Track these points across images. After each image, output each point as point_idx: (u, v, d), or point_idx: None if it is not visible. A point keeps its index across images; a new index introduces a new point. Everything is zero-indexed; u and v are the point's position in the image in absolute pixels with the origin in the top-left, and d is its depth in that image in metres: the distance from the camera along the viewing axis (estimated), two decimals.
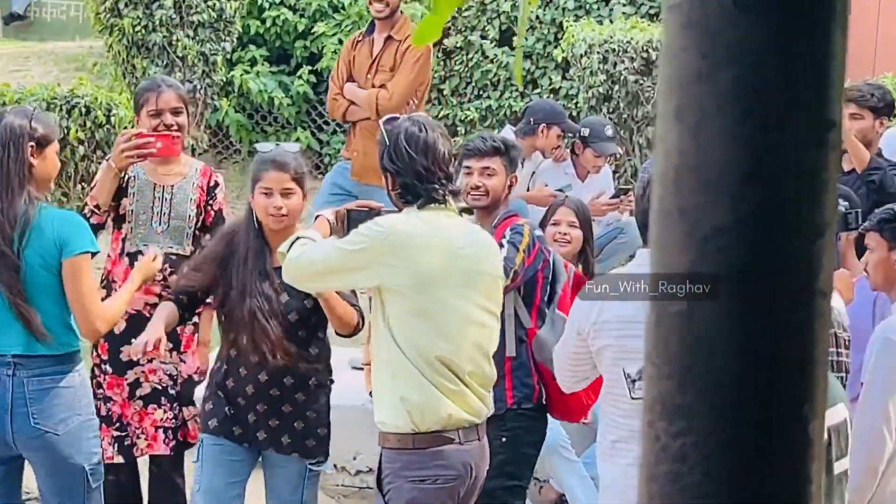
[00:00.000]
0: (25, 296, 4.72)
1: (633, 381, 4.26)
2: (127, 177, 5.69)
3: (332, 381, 5.21)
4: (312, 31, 11.66)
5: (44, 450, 4.81)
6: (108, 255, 5.82)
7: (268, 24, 11.66)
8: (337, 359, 5.49)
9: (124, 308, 5.07)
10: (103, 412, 5.58)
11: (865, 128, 6.31)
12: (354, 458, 6.90)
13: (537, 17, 11.43)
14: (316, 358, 5.12)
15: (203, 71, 11.08)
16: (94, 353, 5.69)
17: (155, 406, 5.67)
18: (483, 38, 11.66)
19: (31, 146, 4.79)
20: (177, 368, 5.72)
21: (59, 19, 18.15)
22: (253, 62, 11.66)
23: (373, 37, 7.41)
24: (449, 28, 11.60)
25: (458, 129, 11.61)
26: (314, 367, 5.11)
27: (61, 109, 9.61)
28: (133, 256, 5.68)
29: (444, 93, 11.76)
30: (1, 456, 4.87)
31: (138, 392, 5.64)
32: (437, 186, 4.44)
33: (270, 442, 5.08)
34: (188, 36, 11.05)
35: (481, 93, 11.74)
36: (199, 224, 5.78)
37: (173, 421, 5.70)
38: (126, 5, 11.07)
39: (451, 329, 4.40)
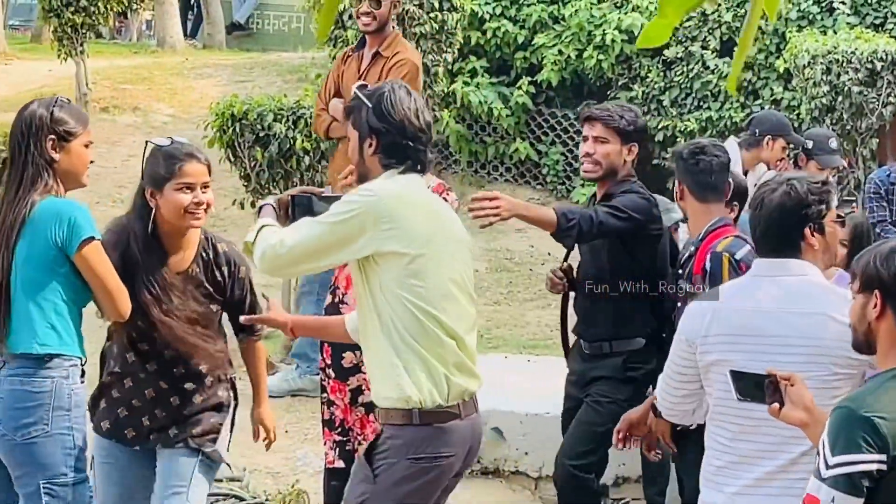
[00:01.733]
0: (5, 293, 4.58)
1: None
2: None
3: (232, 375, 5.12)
4: (532, 42, 12.10)
5: (5, 455, 4.61)
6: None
7: (488, 35, 12.13)
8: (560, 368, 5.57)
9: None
10: (326, 416, 5.76)
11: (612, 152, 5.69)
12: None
13: (759, 28, 11.61)
14: (218, 351, 5.00)
15: (424, 82, 11.42)
16: (321, 358, 5.81)
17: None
18: (704, 48, 11.90)
19: (52, 139, 4.61)
20: None
21: (280, 30, 19.03)
22: (473, 73, 12.15)
23: (362, 52, 7.40)
24: (670, 38, 11.93)
25: (678, 139, 11.78)
26: (213, 359, 4.98)
27: (287, 120, 9.99)
28: None
29: (664, 104, 12.02)
30: None
31: (360, 399, 5.68)
32: (422, 149, 4.42)
33: (159, 438, 4.95)
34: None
35: (701, 104, 11.94)
36: None
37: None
38: (350, 17, 11.32)
39: (448, 291, 4.37)
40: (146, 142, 4.89)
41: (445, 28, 11.46)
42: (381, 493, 4.38)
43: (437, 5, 11.35)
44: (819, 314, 4.11)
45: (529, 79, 12.15)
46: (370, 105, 4.40)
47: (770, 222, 4.24)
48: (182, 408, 4.93)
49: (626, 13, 11.97)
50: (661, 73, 12.03)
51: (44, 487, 4.57)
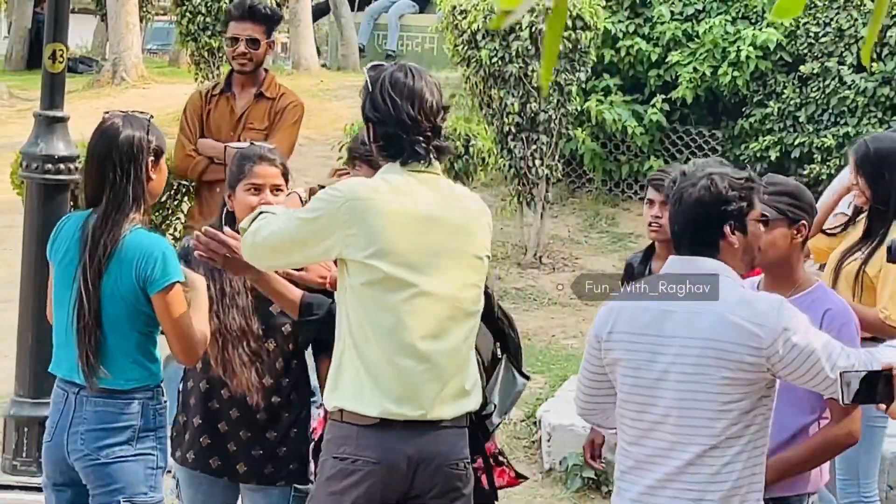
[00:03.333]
0: (93, 327, 4.57)
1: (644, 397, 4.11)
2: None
3: (311, 399, 5.13)
4: (666, 60, 12.36)
5: (87, 474, 4.64)
6: None
7: (622, 53, 12.43)
8: None
9: (207, 323, 4.72)
10: None
11: None
12: None
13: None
14: (290, 386, 5.03)
15: (558, 101, 11.71)
16: None
17: None
18: (840, 63, 12.01)
19: (151, 160, 4.64)
20: None
21: (414, 51, 19.49)
22: (607, 91, 12.46)
23: (232, 92, 7.01)
24: (805, 54, 12.16)
25: (815, 156, 11.99)
26: (287, 395, 5.02)
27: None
28: None
29: (800, 120, 12.16)
30: (65, 479, 4.73)
31: None
32: (421, 139, 4.15)
33: (252, 474, 5.01)
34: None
35: (838, 119, 12.03)
36: None
37: None
38: (483, 37, 11.82)
39: (411, 307, 4.16)
40: (225, 146, 5.17)
41: (579, 47, 11.70)
42: (317, 489, 4.36)
43: (570, 24, 11.62)
44: (718, 314, 4.00)
45: (663, 96, 12.41)
46: (370, 90, 4.24)
47: (688, 218, 4.11)
48: (274, 439, 5.00)
49: (760, 29, 12.14)
50: (797, 90, 12.19)
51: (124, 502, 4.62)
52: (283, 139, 6.77)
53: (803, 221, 4.55)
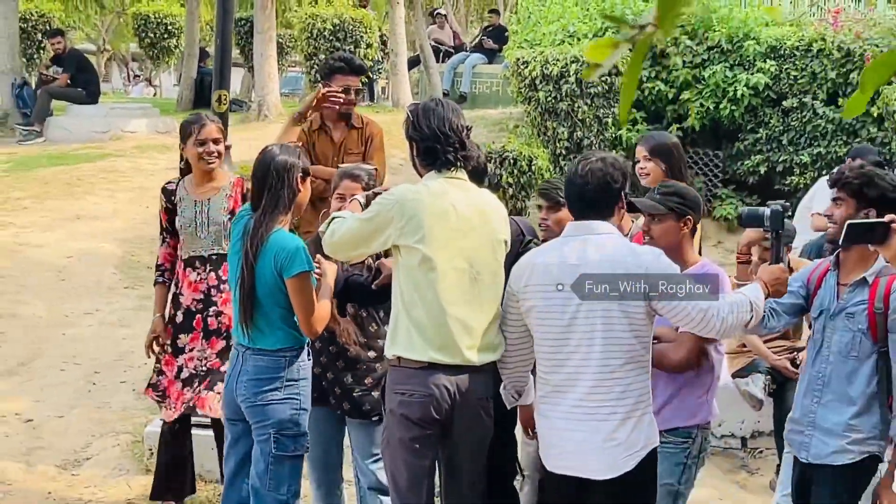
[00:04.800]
0: (253, 300, 4.61)
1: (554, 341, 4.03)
2: (176, 198, 5.69)
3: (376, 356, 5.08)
4: (680, 97, 12.31)
5: (249, 413, 4.68)
6: (177, 260, 5.78)
7: (646, 93, 12.36)
8: None
9: (329, 306, 4.72)
10: (155, 381, 5.71)
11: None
12: (720, 425, 7.08)
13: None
14: (374, 334, 5.07)
15: (597, 129, 11.88)
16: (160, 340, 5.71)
17: (189, 388, 5.66)
18: (814, 99, 11.90)
19: (300, 176, 4.67)
20: (204, 353, 5.68)
21: (484, 92, 19.53)
22: (634, 122, 12.38)
23: (328, 126, 6.80)
24: (787, 92, 12.07)
25: (794, 170, 11.90)
26: (374, 342, 5.06)
27: (495, 160, 10.45)
28: (187, 262, 5.68)
29: (783, 142, 12.06)
30: (236, 416, 4.78)
31: (181, 375, 5.66)
32: (451, 149, 4.25)
33: (354, 410, 5.07)
34: (586, 104, 11.83)
35: (812, 142, 11.92)
36: None
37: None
38: (541, 82, 12.00)
39: (446, 280, 4.21)
40: (338, 166, 5.18)
41: (613, 88, 11.83)
42: (387, 418, 4.40)
43: (606, 72, 11.70)
44: (612, 262, 3.93)
45: (678, 125, 12.34)
46: (411, 119, 4.35)
47: (595, 188, 4.04)
48: (370, 384, 5.05)
49: (752, 74, 12.07)
50: (781, 119, 12.09)
51: (274, 436, 4.64)
52: (380, 159, 6.78)
53: (689, 216, 4.47)
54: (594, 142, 11.82)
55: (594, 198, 4.04)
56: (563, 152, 11.77)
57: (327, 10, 16.55)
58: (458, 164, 4.31)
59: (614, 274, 3.93)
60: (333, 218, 4.42)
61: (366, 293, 4.80)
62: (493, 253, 4.32)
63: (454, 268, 4.23)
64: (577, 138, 11.86)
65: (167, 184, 5.84)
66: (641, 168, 5.64)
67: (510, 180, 10.32)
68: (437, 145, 4.28)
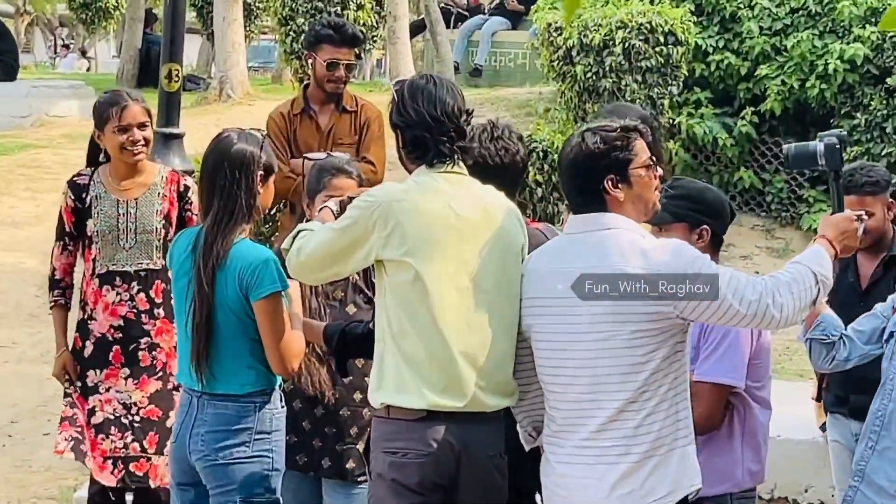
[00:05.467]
0: (207, 334, 4.59)
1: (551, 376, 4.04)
2: (89, 196, 5.70)
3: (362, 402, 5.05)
4: (755, 73, 12.35)
5: (207, 474, 4.66)
6: (83, 275, 5.80)
7: (712, 67, 12.42)
8: (783, 392, 5.48)
9: (302, 338, 4.70)
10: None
11: None
12: (806, 491, 6.89)
13: None
14: (361, 370, 5.02)
15: (650, 114, 11.93)
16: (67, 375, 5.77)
17: (103, 436, 5.66)
18: None
19: (261, 174, 4.64)
20: (130, 397, 5.69)
21: (507, 67, 19.58)
22: (697, 104, 12.45)
23: (312, 110, 6.85)
24: (892, 67, 12.10)
25: None
26: (359, 381, 5.03)
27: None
28: (103, 278, 5.69)
29: (887, 130, 12.11)
30: (188, 479, 4.74)
31: (92, 420, 5.68)
32: (444, 139, 4.22)
33: (335, 469, 5.07)
34: (636, 81, 11.87)
35: None
36: (174, 234, 5.56)
37: (122, 451, 5.68)
38: (578, 53, 12.05)
39: (445, 301, 4.16)
40: (303, 157, 5.29)
41: (670, 62, 11.85)
42: (372, 485, 4.37)
43: (662, 40, 11.79)
44: (619, 268, 3.91)
45: (753, 109, 12.38)
46: (395, 100, 4.33)
47: (569, 178, 4.07)
48: (356, 435, 5.05)
49: (847, 43, 12.10)
50: (884, 101, 12.12)
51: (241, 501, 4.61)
52: (378, 151, 6.82)
53: (705, 226, 4.47)
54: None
55: (584, 185, 4.03)
56: None
57: None
58: (455, 156, 4.29)
59: (625, 274, 3.90)
60: (300, 231, 4.40)
61: (371, 347, 4.61)
62: (504, 265, 4.26)
63: (455, 286, 4.20)
64: None
65: (76, 177, 5.84)
66: None
67: (539, 178, 10.35)
68: (426, 134, 4.25)
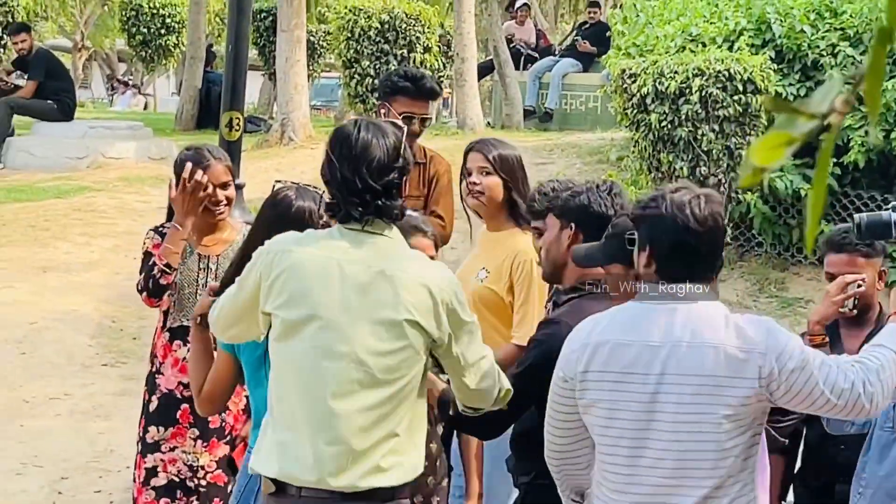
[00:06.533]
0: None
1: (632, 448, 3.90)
2: None
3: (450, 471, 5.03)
4: None
5: None
6: (155, 328, 5.88)
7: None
8: None
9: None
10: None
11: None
12: None
13: None
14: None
15: (728, 165, 11.87)
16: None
17: (168, 500, 5.70)
18: None
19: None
20: (198, 459, 5.71)
21: (577, 110, 19.63)
22: None
23: None
24: None
25: None
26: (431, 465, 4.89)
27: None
28: (174, 332, 5.75)
29: None
30: None
31: (153, 481, 5.70)
32: (356, 200, 4.05)
33: None
34: (713, 130, 11.85)
35: None
36: None
37: None
38: (653, 101, 12.03)
39: (316, 365, 4.04)
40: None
41: (749, 110, 11.82)
42: None
43: (740, 88, 11.77)
44: (711, 347, 3.82)
45: (835, 160, 12.23)
46: (326, 150, 4.19)
47: (691, 242, 3.89)
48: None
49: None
50: None
51: None
52: (448, 205, 6.84)
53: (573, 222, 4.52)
54: (723, 180, 11.85)
55: (696, 253, 3.92)
56: None
57: (373, 2, 16.74)
58: (367, 218, 4.11)
59: (720, 351, 3.80)
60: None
61: (482, 421, 4.46)
62: (387, 336, 4.06)
63: (327, 349, 4.05)
64: (701, 175, 11.87)
65: (161, 227, 5.87)
66: (474, 184, 5.83)
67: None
68: (338, 192, 4.10)
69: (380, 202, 4.08)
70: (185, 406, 5.70)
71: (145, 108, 34.30)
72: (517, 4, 22.15)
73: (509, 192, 5.81)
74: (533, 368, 4.45)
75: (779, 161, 1.68)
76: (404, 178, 4.19)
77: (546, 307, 5.41)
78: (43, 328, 10.61)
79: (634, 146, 12.71)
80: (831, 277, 5.11)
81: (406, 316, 4.05)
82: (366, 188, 4.05)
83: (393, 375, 4.07)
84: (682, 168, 11.86)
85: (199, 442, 5.70)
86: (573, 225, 4.64)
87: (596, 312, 4.13)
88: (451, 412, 4.46)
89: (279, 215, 4.62)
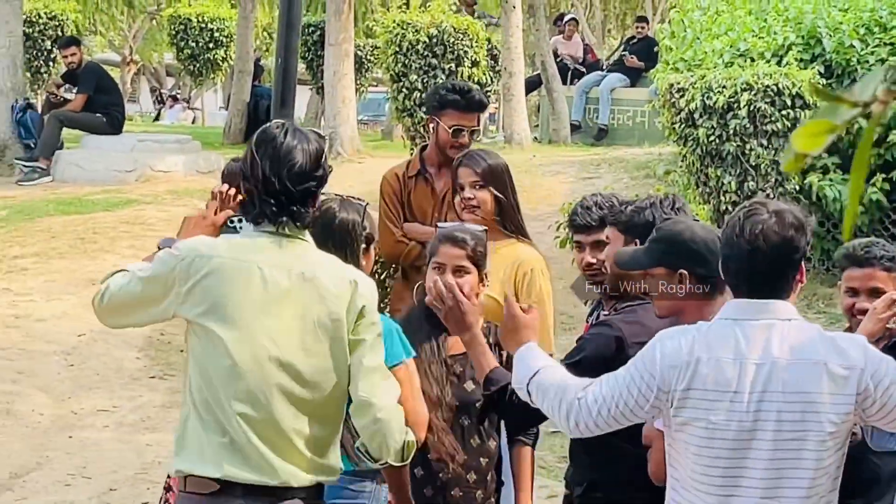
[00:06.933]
0: None
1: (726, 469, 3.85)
2: None
3: (500, 483, 5.09)
4: (888, 139, 12.23)
5: None
6: None
7: (841, 132, 12.39)
8: None
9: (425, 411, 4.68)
10: None
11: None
12: None
13: None
14: (477, 450, 5.01)
15: (776, 179, 11.88)
16: None
17: None
18: None
19: (364, 246, 4.72)
20: None
21: (625, 125, 19.66)
22: (825, 170, 12.34)
23: (429, 173, 6.80)
24: None
25: None
26: (474, 461, 5.00)
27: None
28: None
29: None
30: None
31: None
32: (272, 201, 4.14)
33: None
34: (761, 145, 11.86)
35: None
36: None
37: None
38: (701, 115, 12.04)
39: (242, 368, 4.10)
40: (436, 226, 5.44)
41: (798, 125, 11.73)
42: None
43: (789, 102, 11.76)
44: (811, 364, 3.80)
45: (884, 175, 12.24)
46: (246, 150, 4.27)
47: (770, 257, 3.87)
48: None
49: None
50: None
51: None
52: None
53: (682, 270, 4.34)
54: (771, 195, 11.77)
55: (769, 271, 3.90)
56: (730, 208, 11.76)
57: (421, 17, 16.79)
58: (282, 220, 4.19)
59: (825, 369, 3.78)
60: (116, 272, 4.35)
61: (523, 410, 4.42)
62: (310, 337, 4.17)
63: (253, 355, 4.12)
64: (749, 190, 11.87)
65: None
66: (468, 199, 5.85)
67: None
68: (255, 190, 4.18)
69: (294, 207, 4.16)
70: None
71: (193, 122, 34.53)
72: (565, 19, 22.22)
73: (499, 203, 5.86)
74: (586, 362, 4.45)
75: (820, 148, 1.70)
76: (320, 189, 4.27)
77: (588, 321, 5.41)
78: (91, 341, 10.70)
79: (682, 161, 12.75)
80: (852, 293, 5.07)
81: (331, 316, 4.16)
82: (283, 191, 4.13)
83: (322, 376, 4.18)
84: (729, 183, 11.87)
85: None
86: (637, 241, 4.65)
87: (649, 320, 4.21)
88: (492, 391, 4.46)
89: (323, 227, 4.64)
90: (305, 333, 4.15)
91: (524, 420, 4.69)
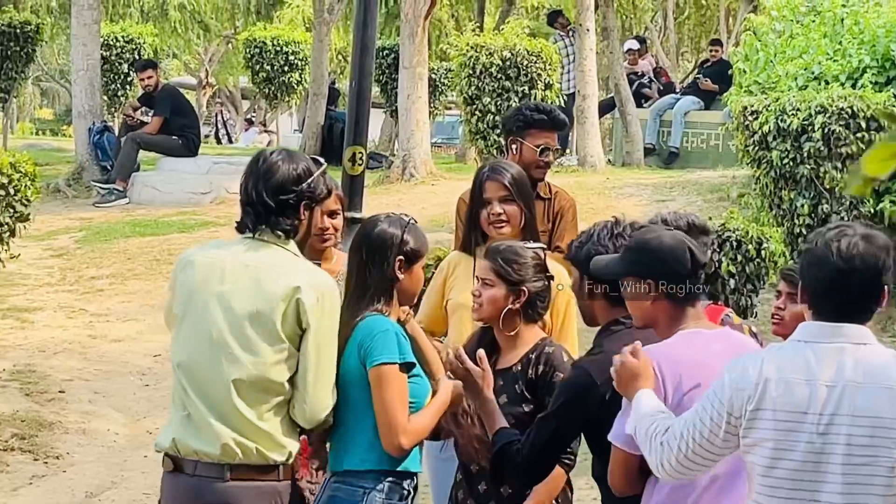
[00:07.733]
0: (335, 408, 4.76)
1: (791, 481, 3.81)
2: None
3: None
4: None
5: None
6: None
7: None
8: None
9: (432, 425, 4.82)
10: None
11: None
12: None
13: None
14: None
15: (850, 202, 11.79)
16: None
17: None
18: None
19: (400, 260, 4.82)
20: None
21: (698, 148, 19.60)
22: (888, 191, 12.08)
23: None
24: None
25: None
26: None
27: (713, 243, 10.31)
28: None
29: None
30: None
31: None
32: (250, 210, 4.64)
33: None
34: (835, 168, 11.77)
35: None
36: None
37: None
38: (775, 138, 12.00)
39: (197, 349, 4.60)
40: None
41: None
42: None
43: (863, 125, 11.68)
44: (885, 388, 3.76)
45: None
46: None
47: (863, 277, 3.83)
48: None
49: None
50: None
51: None
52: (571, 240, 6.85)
53: (650, 279, 4.39)
54: (846, 218, 11.68)
55: (858, 293, 3.86)
56: (804, 231, 11.72)
57: (495, 40, 16.86)
58: (259, 227, 4.66)
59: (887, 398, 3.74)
60: None
61: (514, 470, 4.70)
62: (244, 330, 4.59)
63: (209, 343, 4.60)
64: (823, 213, 11.82)
65: None
66: (497, 214, 5.84)
67: (731, 269, 10.24)
68: (241, 203, 4.70)
69: (272, 217, 4.63)
70: (303, 437, 5.77)
71: (268, 144, 34.73)
72: (624, 48, 22.00)
73: (525, 221, 5.90)
74: (562, 410, 4.58)
75: (887, 173, 1.73)
76: (303, 203, 4.67)
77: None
78: (166, 360, 10.76)
79: (756, 183, 12.69)
80: None
81: (265, 312, 4.56)
82: (259, 202, 4.61)
83: (258, 362, 4.57)
84: (803, 206, 11.81)
85: (321, 473, 5.67)
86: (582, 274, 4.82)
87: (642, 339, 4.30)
88: (494, 452, 4.69)
89: (363, 236, 4.92)
90: (248, 325, 4.57)
91: (518, 479, 4.87)
